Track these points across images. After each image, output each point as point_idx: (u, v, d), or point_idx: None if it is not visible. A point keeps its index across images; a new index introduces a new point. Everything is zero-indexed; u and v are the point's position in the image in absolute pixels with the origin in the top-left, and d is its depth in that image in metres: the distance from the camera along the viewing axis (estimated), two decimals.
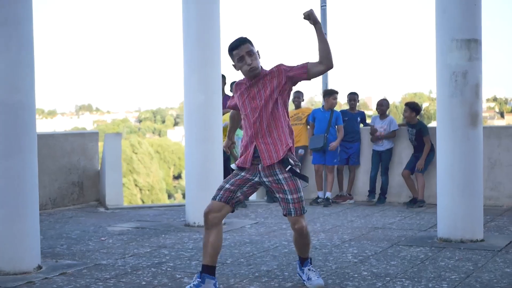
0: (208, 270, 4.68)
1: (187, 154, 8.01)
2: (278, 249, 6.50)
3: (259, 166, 4.74)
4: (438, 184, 6.91)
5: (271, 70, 4.78)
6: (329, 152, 9.84)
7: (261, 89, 4.74)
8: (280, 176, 4.71)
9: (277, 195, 4.77)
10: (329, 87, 10.40)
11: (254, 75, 4.74)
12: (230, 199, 4.75)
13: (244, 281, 5.23)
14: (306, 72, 4.69)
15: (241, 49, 4.68)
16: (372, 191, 9.81)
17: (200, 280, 4.65)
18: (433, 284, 5.05)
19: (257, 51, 4.75)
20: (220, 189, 4.78)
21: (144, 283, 5.21)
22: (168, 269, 5.69)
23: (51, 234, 7.51)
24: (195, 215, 7.86)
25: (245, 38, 4.77)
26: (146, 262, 5.98)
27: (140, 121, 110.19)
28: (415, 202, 9.33)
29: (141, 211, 9.44)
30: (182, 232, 7.53)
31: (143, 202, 53.63)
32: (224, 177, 9.11)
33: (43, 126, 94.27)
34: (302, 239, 4.92)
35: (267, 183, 4.75)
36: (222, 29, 8.00)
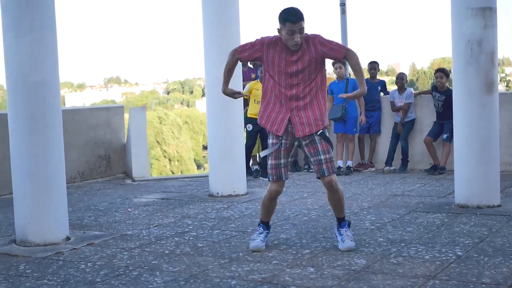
0: (267, 225, 5.46)
1: (209, 126, 8.19)
2: (298, 218, 6.68)
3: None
4: (455, 151, 7.01)
5: (308, 39, 5.03)
6: (348, 121, 9.96)
7: (299, 59, 5.03)
8: (316, 138, 5.14)
9: (311, 159, 5.18)
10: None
11: (295, 48, 5.01)
12: (286, 173, 5.28)
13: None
14: (343, 54, 5.07)
15: (296, 25, 4.90)
16: (389, 161, 9.87)
17: (266, 230, 5.44)
18: (447, 249, 5.20)
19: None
20: (277, 167, 5.21)
21: (167, 251, 5.44)
22: (190, 238, 5.91)
23: (80, 206, 7.77)
24: (218, 185, 8.07)
25: (302, 14, 4.98)
26: (170, 232, 6.20)
27: (168, 92, 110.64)
28: (435, 169, 9.42)
29: (166, 182, 9.68)
30: (205, 203, 7.74)
31: (172, 173, 54.13)
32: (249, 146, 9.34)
33: (72, 99, 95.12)
34: (333, 194, 5.25)
35: (304, 146, 5.18)
36: (241, 1, 8.12)
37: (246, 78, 9.88)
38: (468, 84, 6.73)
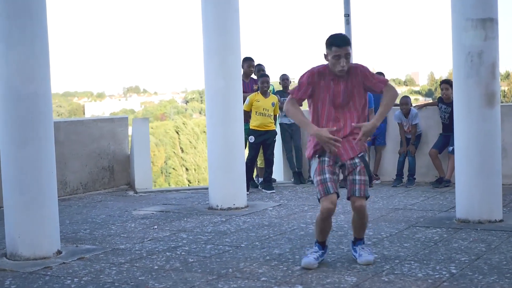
0: (323, 245, 5.30)
1: (209, 138, 8.12)
2: (294, 232, 6.57)
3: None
4: (456, 164, 6.89)
5: (355, 69, 5.06)
6: None
7: (346, 88, 5.04)
8: (356, 159, 5.07)
9: (349, 177, 5.09)
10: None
11: (341, 74, 5.01)
12: (336, 187, 5.09)
13: (254, 264, 5.33)
14: (383, 87, 5.08)
15: (342, 50, 4.92)
16: (399, 175, 9.72)
17: (322, 250, 5.26)
18: (441, 267, 5.07)
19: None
20: (325, 181, 5.02)
21: (156, 267, 5.35)
22: (182, 253, 5.82)
23: (77, 219, 7.72)
24: (218, 198, 7.98)
25: (348, 39, 5.00)
26: (163, 246, 6.12)
27: (187, 101, 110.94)
28: (440, 182, 9.28)
29: (168, 194, 9.60)
30: (204, 216, 7.66)
31: (189, 182, 54.20)
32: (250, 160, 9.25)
33: (92, 108, 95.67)
34: (360, 219, 5.19)
35: (347, 165, 5.08)
36: (241, 13, 8.05)
37: (248, 90, 9.80)
38: (468, 97, 6.61)
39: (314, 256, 5.18)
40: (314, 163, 5.13)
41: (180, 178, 56.27)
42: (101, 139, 10.10)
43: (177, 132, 62.39)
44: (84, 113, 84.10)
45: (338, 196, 5.07)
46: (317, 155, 5.11)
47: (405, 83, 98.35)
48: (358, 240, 5.35)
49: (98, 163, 10.04)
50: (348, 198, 5.15)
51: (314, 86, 5.07)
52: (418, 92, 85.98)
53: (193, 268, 5.28)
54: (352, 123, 5.06)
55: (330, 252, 5.58)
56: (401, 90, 76.56)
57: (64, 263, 5.59)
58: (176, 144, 59.85)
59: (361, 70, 5.09)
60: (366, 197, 5.16)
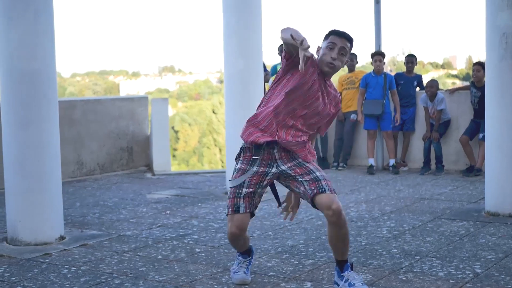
0: (246, 252, 4.42)
1: (227, 121, 7.78)
2: (311, 221, 6.21)
3: (275, 152, 4.05)
4: (487, 153, 6.46)
5: (335, 97, 4.16)
6: (384, 117, 9.43)
7: (325, 98, 4.08)
8: (301, 160, 4.07)
9: (302, 179, 3.98)
10: (388, 48, 9.91)
11: (327, 73, 4.04)
12: (251, 206, 4.07)
13: (264, 257, 4.99)
14: (323, 132, 4.31)
15: (340, 41, 3.99)
16: (426, 162, 9.26)
17: (249, 257, 4.42)
18: (465, 265, 4.68)
19: (348, 60, 4.12)
20: (236, 196, 4.04)
21: (160, 257, 5.05)
22: (190, 242, 5.51)
23: (88, 202, 7.46)
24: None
25: (352, 38, 4.05)
26: (171, 233, 5.81)
27: (221, 81, 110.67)
28: (471, 171, 8.81)
29: (186, 177, 9.29)
30: (219, 201, 7.34)
31: (222, 162, 54.14)
32: None
33: (127, 87, 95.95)
34: (340, 228, 3.91)
35: (288, 170, 4.03)
36: None
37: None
38: (502, 80, 6.16)
39: (243, 270, 4.33)
40: (239, 164, 4.13)
41: (214, 157, 56.20)
42: (120, 119, 9.82)
43: (214, 112, 62.33)
44: (119, 92, 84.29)
45: (252, 215, 4.08)
46: (245, 159, 4.09)
47: (443, 66, 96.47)
48: (344, 264, 4.08)
49: (117, 143, 9.77)
50: (313, 203, 3.95)
51: (304, 73, 3.89)
52: (456, 76, 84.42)
53: (199, 259, 4.96)
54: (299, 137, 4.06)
55: None
56: (438, 74, 75.21)
57: (65, 249, 5.32)
58: (211, 123, 59.77)
59: (336, 103, 4.16)
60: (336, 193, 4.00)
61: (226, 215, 4.14)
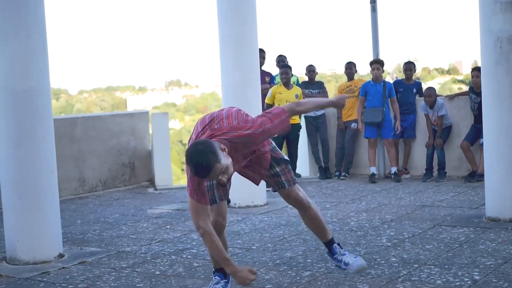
0: (223, 272, 4.33)
1: None
2: (311, 232, 6.14)
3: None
4: (485, 159, 6.43)
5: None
6: (385, 125, 9.40)
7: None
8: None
9: (264, 173, 4.28)
10: (386, 56, 9.91)
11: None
12: (225, 194, 4.32)
13: (262, 269, 4.98)
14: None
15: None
16: (429, 169, 9.20)
17: (224, 280, 4.35)
18: (463, 272, 4.65)
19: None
20: (210, 189, 4.20)
21: (158, 272, 5.04)
22: (188, 256, 5.50)
23: (89, 219, 7.45)
24: (235, 196, 7.53)
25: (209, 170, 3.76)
26: (170, 248, 5.81)
27: None
28: (473, 176, 8.77)
29: None
30: None
31: None
32: None
33: (134, 102, 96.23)
34: (305, 211, 4.36)
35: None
36: (259, 2, 7.67)
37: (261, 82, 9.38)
38: (498, 85, 6.14)
39: None
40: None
41: None
42: (120, 135, 9.82)
43: None
44: (126, 107, 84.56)
45: (228, 202, 4.35)
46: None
47: (448, 72, 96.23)
48: (331, 246, 4.46)
49: (118, 159, 9.77)
50: (275, 191, 4.37)
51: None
52: (462, 81, 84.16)
53: (196, 274, 4.95)
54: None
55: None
56: (444, 80, 75.03)
57: (64, 267, 5.32)
58: None
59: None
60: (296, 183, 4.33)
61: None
